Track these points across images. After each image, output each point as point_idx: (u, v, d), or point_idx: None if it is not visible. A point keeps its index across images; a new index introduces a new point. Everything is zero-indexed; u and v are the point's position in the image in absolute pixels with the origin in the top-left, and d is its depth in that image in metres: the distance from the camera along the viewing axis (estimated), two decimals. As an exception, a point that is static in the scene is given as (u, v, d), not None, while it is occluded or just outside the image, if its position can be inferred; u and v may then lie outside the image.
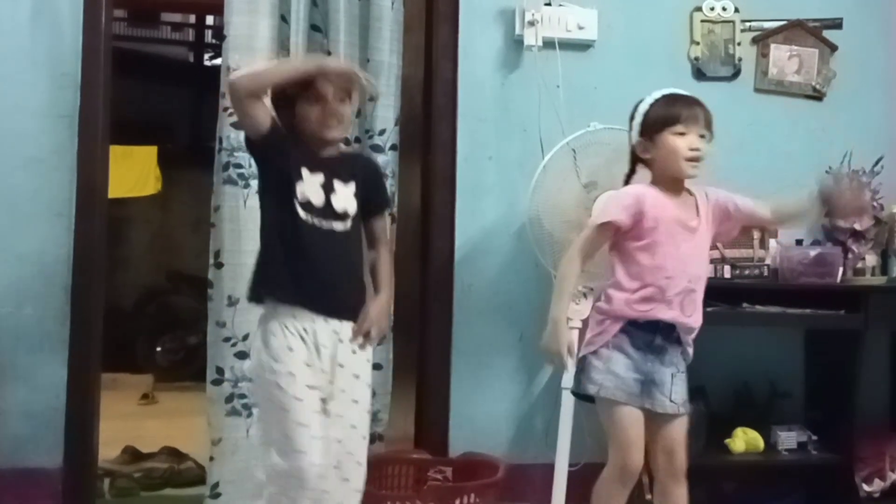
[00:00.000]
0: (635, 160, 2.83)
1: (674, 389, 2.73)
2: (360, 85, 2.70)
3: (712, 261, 3.47)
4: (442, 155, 3.86)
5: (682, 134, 2.71)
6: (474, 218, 3.84)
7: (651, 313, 2.68)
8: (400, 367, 3.75)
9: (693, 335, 2.78)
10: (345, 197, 2.64)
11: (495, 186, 3.86)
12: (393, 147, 3.72)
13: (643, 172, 2.84)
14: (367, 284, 2.69)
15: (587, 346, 2.75)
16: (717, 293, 3.36)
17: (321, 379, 2.54)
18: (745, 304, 3.65)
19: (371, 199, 2.72)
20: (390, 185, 3.62)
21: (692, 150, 2.71)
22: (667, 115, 2.72)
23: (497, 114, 3.88)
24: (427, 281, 3.85)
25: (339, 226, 2.61)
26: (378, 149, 3.69)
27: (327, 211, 2.59)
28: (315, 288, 2.53)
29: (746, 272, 3.73)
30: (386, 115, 3.70)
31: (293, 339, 2.52)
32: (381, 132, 3.71)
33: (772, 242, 3.86)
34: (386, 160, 3.65)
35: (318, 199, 2.59)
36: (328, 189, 2.62)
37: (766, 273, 3.77)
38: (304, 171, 2.58)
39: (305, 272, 2.52)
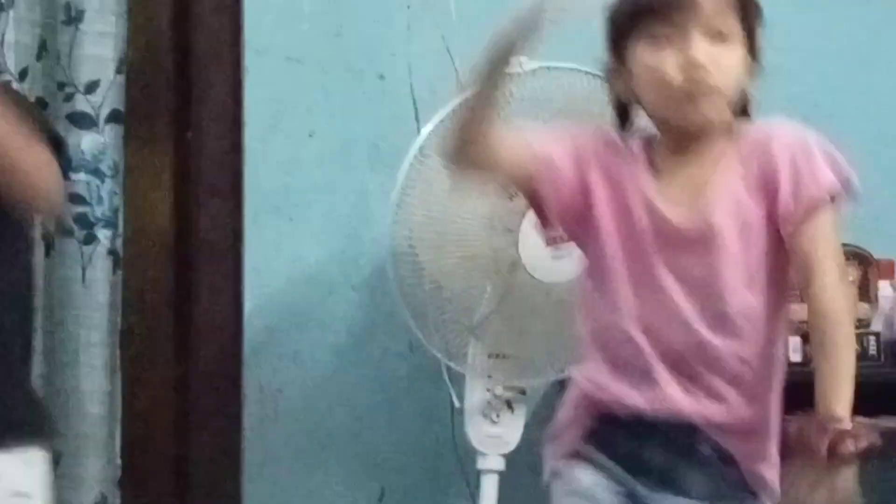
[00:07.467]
0: (618, 103, 1.64)
1: None
2: None
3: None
4: (213, 132, 2.17)
5: (663, 39, 1.49)
6: (280, 255, 2.20)
7: (620, 397, 1.51)
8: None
9: (759, 443, 1.49)
10: None
11: (322, 192, 2.22)
12: (114, 117, 2.10)
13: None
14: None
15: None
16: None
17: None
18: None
19: None
20: (109, 193, 2.10)
21: (688, 65, 1.46)
22: (630, 4, 1.54)
23: (322, 47, 2.19)
24: (189, 383, 2.20)
25: None
26: (84, 120, 2.08)
27: None
28: None
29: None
30: (98, 52, 2.07)
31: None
32: (90, 87, 2.08)
33: (885, 288, 2.17)
34: (99, 143, 2.09)
35: None
36: None
37: (872, 350, 2.08)
38: None
39: None
